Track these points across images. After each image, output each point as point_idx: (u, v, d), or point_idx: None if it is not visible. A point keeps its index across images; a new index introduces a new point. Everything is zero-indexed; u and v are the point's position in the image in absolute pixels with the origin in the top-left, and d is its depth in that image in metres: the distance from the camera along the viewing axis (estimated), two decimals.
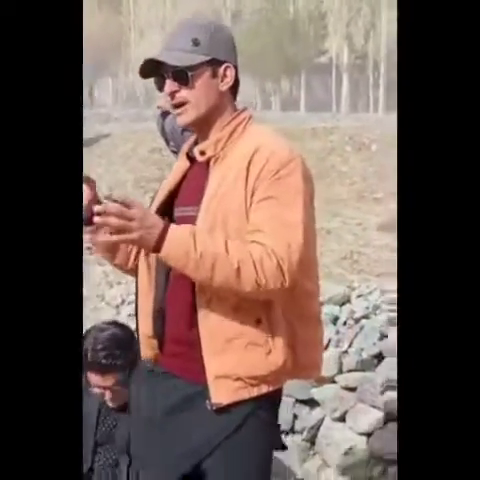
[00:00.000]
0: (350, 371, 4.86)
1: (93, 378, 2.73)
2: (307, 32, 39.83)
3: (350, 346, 4.99)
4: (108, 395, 2.73)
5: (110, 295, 6.11)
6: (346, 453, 4.73)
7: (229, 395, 1.98)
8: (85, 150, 9.60)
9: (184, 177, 2.13)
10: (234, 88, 2.11)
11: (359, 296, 5.54)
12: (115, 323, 2.90)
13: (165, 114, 6.83)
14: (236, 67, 2.10)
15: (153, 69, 2.08)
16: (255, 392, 2.00)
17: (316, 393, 4.87)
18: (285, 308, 2.00)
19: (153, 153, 8.65)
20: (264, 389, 2.01)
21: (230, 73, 2.07)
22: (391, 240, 7.83)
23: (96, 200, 2.06)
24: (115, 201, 1.86)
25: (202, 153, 2.05)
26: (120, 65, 44.15)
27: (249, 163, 1.98)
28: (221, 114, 2.08)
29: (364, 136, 12.45)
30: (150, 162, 8.44)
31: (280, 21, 38.94)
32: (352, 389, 4.82)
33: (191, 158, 2.12)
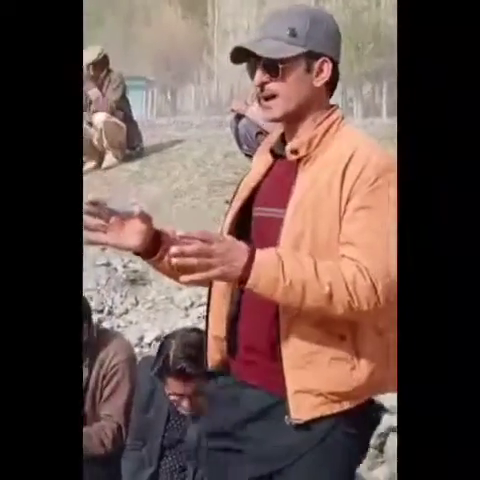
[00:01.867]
0: None
1: (173, 384, 2.71)
2: (389, 37, 39.39)
3: None
4: (186, 403, 2.71)
5: (179, 297, 6.13)
6: None
7: (309, 411, 1.94)
8: (161, 156, 9.68)
9: (267, 174, 2.03)
10: (331, 84, 1.99)
11: None
12: (197, 330, 2.87)
13: (239, 117, 6.85)
14: (336, 61, 1.98)
15: (245, 56, 2.00)
16: (337, 408, 1.95)
17: (386, 399, 4.75)
18: (370, 323, 1.96)
19: (227, 157, 8.67)
20: (346, 405, 1.96)
21: (327, 68, 1.96)
22: None
23: (152, 233, 2.00)
24: (193, 238, 1.78)
25: (294, 152, 1.95)
26: (202, 72, 44.60)
27: (345, 168, 1.89)
28: (313, 111, 1.98)
29: None
30: (224, 166, 8.46)
31: (361, 26, 38.62)
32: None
33: (276, 155, 2.04)
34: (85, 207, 1.97)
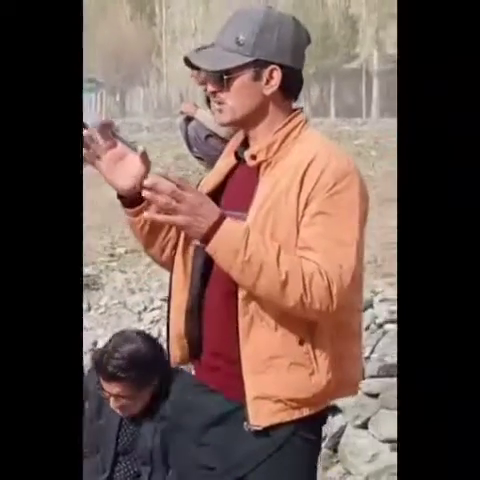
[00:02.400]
0: (372, 377, 4.79)
1: (101, 380, 2.71)
2: (337, 38, 39.74)
3: (372, 352, 4.92)
4: (112, 402, 2.70)
5: (132, 302, 6.10)
6: (369, 461, 4.66)
7: (268, 417, 1.89)
8: None
9: (229, 176, 2.02)
10: (289, 89, 1.95)
11: (382, 301, 5.47)
12: (145, 337, 2.82)
13: (188, 120, 6.82)
14: (292, 66, 1.93)
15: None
16: (296, 415, 1.90)
17: (338, 400, 4.82)
18: (329, 327, 1.90)
19: (179, 159, 8.65)
20: (305, 412, 1.91)
21: (277, 75, 1.91)
22: None
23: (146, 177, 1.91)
24: (168, 179, 1.76)
25: (253, 157, 1.93)
26: (151, 74, 44.43)
27: (304, 173, 1.86)
28: (269, 117, 1.94)
29: (389, 140, 12.34)
30: (175, 168, 8.44)
31: (310, 27, 38.93)
32: (374, 395, 4.75)
33: (239, 158, 2.00)
34: (98, 126, 1.89)
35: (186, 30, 44.19)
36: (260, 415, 1.89)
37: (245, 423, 1.90)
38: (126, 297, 6.19)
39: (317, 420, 1.97)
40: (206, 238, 1.81)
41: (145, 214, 1.85)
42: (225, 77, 1.90)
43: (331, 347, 1.90)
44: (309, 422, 1.93)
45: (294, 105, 2.01)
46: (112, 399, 2.68)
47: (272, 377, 1.88)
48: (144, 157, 1.90)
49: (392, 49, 39.61)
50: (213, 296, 1.98)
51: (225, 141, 5.51)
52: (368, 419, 4.76)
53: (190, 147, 6.81)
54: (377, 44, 38.66)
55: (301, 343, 1.87)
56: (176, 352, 2.06)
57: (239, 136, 2.04)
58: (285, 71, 1.91)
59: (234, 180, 2.01)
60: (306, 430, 1.93)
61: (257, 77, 1.92)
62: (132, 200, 1.95)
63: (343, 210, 1.86)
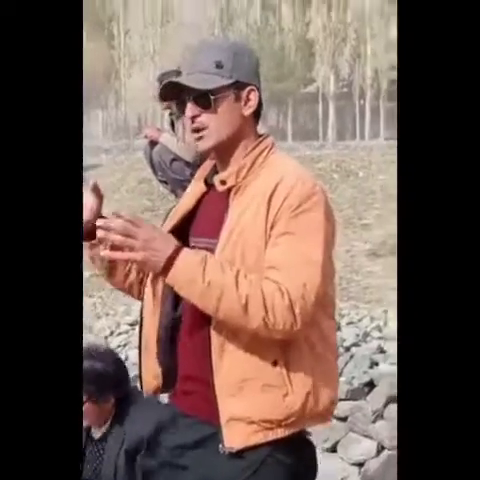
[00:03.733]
0: (341, 400, 4.82)
1: None
2: (293, 62, 40.16)
3: (340, 375, 4.95)
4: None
5: (98, 327, 6.06)
6: None
7: (242, 439, 1.89)
8: None
9: (199, 203, 2.04)
10: (257, 112, 2.00)
11: (349, 323, 5.51)
12: (104, 355, 2.86)
13: (153, 144, 6.80)
14: (259, 90, 1.99)
15: (173, 92, 2.01)
16: (270, 436, 1.89)
17: None
18: (302, 348, 1.91)
19: (142, 183, 8.63)
20: (280, 433, 1.90)
21: (254, 96, 1.97)
22: (380, 267, 7.80)
23: (99, 213, 1.97)
24: (120, 217, 1.78)
25: (223, 182, 1.95)
26: (110, 96, 44.34)
27: (271, 196, 1.88)
28: (243, 140, 1.98)
29: (351, 163, 12.48)
30: (138, 192, 8.42)
31: (266, 52, 39.27)
32: (343, 419, 4.78)
33: (209, 184, 2.02)
34: None
35: (145, 53, 44.28)
36: (234, 437, 1.89)
37: (220, 446, 1.90)
38: (92, 322, 6.14)
39: (292, 443, 1.97)
40: (164, 271, 1.83)
41: (101, 253, 1.86)
42: (213, 98, 1.93)
43: (306, 370, 1.90)
44: (284, 445, 1.93)
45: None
46: None
47: (245, 399, 1.88)
48: (96, 190, 1.94)
49: (346, 73, 40.21)
50: (186, 321, 1.99)
51: (190, 165, 5.54)
52: (337, 442, 4.77)
53: (155, 171, 6.80)
54: (333, 68, 39.19)
55: (274, 364, 1.88)
56: (150, 381, 2.06)
57: (208, 162, 2.07)
58: (258, 92, 1.99)
59: (204, 207, 2.03)
60: (281, 452, 1.93)
61: (237, 98, 1.96)
62: (89, 233, 1.97)
63: (308, 230, 1.88)
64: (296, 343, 1.90)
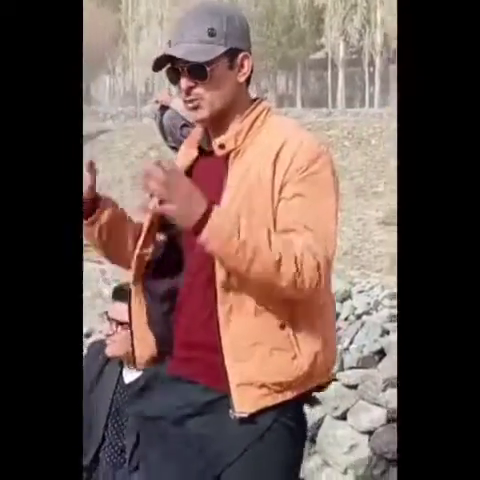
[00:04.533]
0: (351, 368, 4.81)
1: None
2: (303, 28, 39.80)
3: (351, 343, 4.94)
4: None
5: (107, 293, 6.06)
6: (347, 452, 4.69)
7: (253, 403, 1.89)
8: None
9: (192, 168, 2.00)
10: (249, 78, 1.98)
11: (360, 292, 5.50)
12: None
13: (163, 109, 6.75)
14: (251, 55, 1.96)
15: (166, 61, 1.93)
16: (280, 399, 1.90)
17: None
18: (311, 309, 1.92)
19: (151, 149, 8.60)
20: (289, 395, 1.91)
21: (247, 63, 1.93)
22: (391, 235, 7.74)
23: (94, 191, 1.95)
24: (161, 167, 1.74)
25: (221, 146, 1.93)
26: (117, 62, 44.08)
27: (276, 158, 1.87)
28: (238, 106, 1.95)
29: (363, 130, 12.40)
30: (148, 158, 8.39)
31: (276, 17, 38.90)
32: (353, 387, 4.77)
33: (202, 150, 1.99)
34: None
35: (152, 17, 43.91)
36: (245, 402, 1.89)
37: (230, 411, 1.89)
38: (102, 288, 6.15)
39: (296, 406, 1.98)
40: (197, 228, 1.79)
41: (150, 205, 1.83)
42: (208, 69, 1.88)
43: (312, 330, 1.91)
44: (289, 408, 1.94)
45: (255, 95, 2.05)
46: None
47: (254, 363, 1.88)
48: (89, 165, 1.92)
49: (356, 40, 39.87)
50: (187, 288, 1.98)
51: None
52: (347, 410, 4.77)
53: (165, 137, 6.76)
54: (343, 34, 38.84)
55: (282, 327, 1.88)
56: (143, 353, 2.04)
57: (197, 129, 2.03)
58: (250, 58, 1.96)
59: (198, 173, 1.99)
60: (286, 416, 1.94)
61: (231, 65, 1.92)
62: (86, 210, 1.96)
63: (319, 190, 1.88)
64: (303, 305, 1.89)
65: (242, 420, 1.89)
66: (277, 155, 1.87)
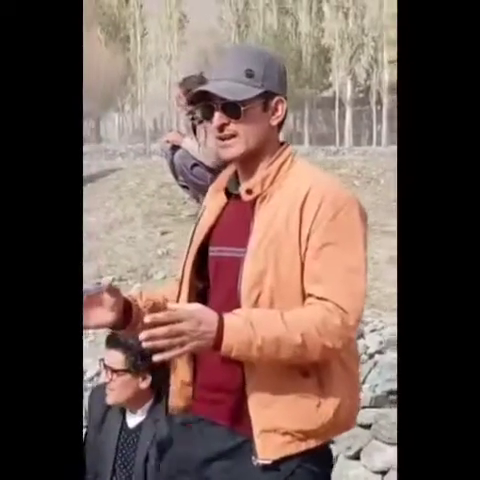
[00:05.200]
0: (364, 408, 4.78)
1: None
2: (310, 68, 40.17)
3: (364, 382, 4.92)
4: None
5: None
6: None
7: (276, 450, 1.87)
8: (93, 185, 9.59)
9: (221, 214, 2.01)
10: (282, 122, 1.99)
11: (372, 331, 5.48)
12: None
13: (175, 148, 6.81)
14: (286, 100, 1.99)
15: (198, 97, 1.95)
16: (303, 447, 1.89)
17: None
18: (335, 357, 1.91)
19: (162, 188, 8.65)
20: (312, 444, 1.89)
21: (282, 107, 1.95)
22: None
23: (121, 310, 1.93)
24: (160, 322, 1.74)
25: (249, 192, 1.93)
26: (126, 100, 44.46)
27: (303, 204, 1.86)
28: (268, 149, 1.96)
29: (372, 169, 12.43)
30: (158, 196, 8.44)
31: (283, 56, 39.31)
32: (366, 426, 4.74)
33: (229, 194, 1.99)
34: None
35: (161, 56, 44.41)
36: (268, 448, 1.87)
37: (253, 457, 1.88)
38: None
39: (320, 452, 1.96)
40: (216, 346, 1.79)
41: (155, 357, 1.77)
42: (243, 108, 1.90)
43: (336, 378, 1.90)
44: (313, 454, 1.92)
45: None
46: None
47: (279, 410, 1.87)
48: (110, 289, 1.91)
49: (363, 79, 40.18)
50: None
51: (211, 170, 5.54)
52: (360, 450, 4.74)
53: (176, 176, 6.81)
54: (350, 73, 39.17)
55: (306, 375, 1.87)
56: (179, 401, 2.03)
57: (225, 173, 2.04)
58: (285, 103, 1.97)
59: (226, 217, 2.00)
60: (312, 462, 1.92)
61: (265, 108, 1.93)
62: (121, 324, 1.95)
63: (347, 237, 1.87)
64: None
65: (264, 467, 1.87)
66: (303, 202, 1.87)
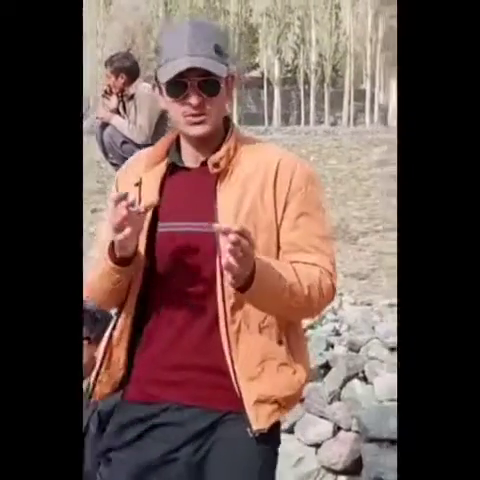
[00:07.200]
0: None
1: None
2: (238, 47, 40.12)
3: None
4: None
5: None
6: (295, 465, 4.71)
7: (266, 419, 1.92)
8: None
9: (162, 187, 1.96)
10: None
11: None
12: None
13: (104, 126, 6.71)
14: None
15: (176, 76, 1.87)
16: (285, 413, 1.97)
17: None
18: (296, 325, 1.99)
19: (91, 166, 8.53)
20: (289, 409, 1.99)
21: (234, 82, 1.98)
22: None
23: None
24: (245, 232, 1.74)
25: (216, 165, 1.93)
26: None
27: (275, 177, 1.93)
28: (222, 124, 1.99)
29: (302, 148, 12.57)
30: (88, 175, 8.32)
31: None
32: (300, 400, 4.81)
33: (174, 168, 1.96)
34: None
35: (87, 33, 43.66)
36: (260, 418, 1.91)
37: (248, 429, 1.89)
38: None
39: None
40: (249, 281, 1.79)
41: (230, 259, 1.73)
42: (222, 85, 1.90)
43: (301, 344, 1.98)
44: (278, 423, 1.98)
45: None
46: None
47: (266, 380, 1.91)
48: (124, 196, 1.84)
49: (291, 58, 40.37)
50: (167, 313, 1.95)
51: (140, 147, 5.49)
52: (294, 423, 4.81)
53: (105, 153, 6.72)
54: (278, 53, 39.30)
55: (280, 343, 1.92)
56: (104, 388, 2.00)
57: (162, 144, 2.00)
58: None
59: (172, 190, 1.96)
60: (279, 428, 1.99)
61: (227, 84, 1.95)
62: (130, 258, 1.91)
63: (317, 209, 1.99)
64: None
65: (255, 438, 1.89)
66: (276, 174, 1.93)
